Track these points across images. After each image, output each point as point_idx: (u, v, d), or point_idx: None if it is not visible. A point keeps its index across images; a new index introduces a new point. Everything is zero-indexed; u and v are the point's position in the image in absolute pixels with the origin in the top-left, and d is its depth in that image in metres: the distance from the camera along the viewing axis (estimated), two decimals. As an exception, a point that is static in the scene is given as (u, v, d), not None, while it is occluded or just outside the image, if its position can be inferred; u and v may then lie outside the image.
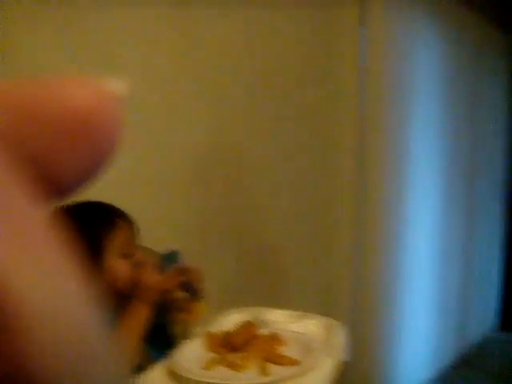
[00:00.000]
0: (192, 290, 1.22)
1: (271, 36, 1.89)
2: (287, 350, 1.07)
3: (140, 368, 1.07)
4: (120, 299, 1.20)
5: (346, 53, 2.27)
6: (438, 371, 2.93)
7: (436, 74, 2.66)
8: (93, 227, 1.14)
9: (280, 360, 1.04)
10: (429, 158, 2.64)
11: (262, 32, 1.86)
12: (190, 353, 1.06)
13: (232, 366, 1.03)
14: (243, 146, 1.88)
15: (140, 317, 1.15)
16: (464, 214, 3.06)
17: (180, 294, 1.22)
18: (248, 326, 1.14)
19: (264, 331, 1.15)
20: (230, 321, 1.20)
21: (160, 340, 1.22)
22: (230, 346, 1.08)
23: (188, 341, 1.12)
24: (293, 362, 1.02)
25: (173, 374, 0.98)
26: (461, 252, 3.07)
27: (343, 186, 2.34)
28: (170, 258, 1.27)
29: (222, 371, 1.01)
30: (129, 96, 0.18)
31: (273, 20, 1.88)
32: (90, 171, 0.17)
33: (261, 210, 1.99)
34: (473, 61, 3.05)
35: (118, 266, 1.17)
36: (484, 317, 3.52)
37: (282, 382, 0.96)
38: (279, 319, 1.23)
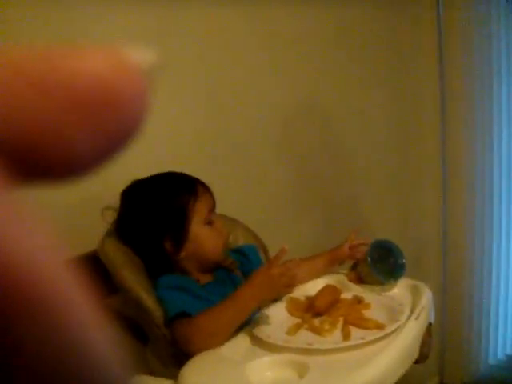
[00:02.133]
0: None
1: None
2: (372, 314, 1.05)
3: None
4: (207, 266, 1.23)
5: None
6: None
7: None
8: (176, 196, 1.15)
9: (364, 323, 1.01)
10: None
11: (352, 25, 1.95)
12: (274, 318, 1.07)
13: (315, 330, 1.02)
14: (333, 106, 1.92)
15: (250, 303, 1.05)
16: None
17: None
18: (331, 290, 1.13)
19: (347, 295, 1.13)
20: (313, 285, 1.19)
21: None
22: (314, 311, 1.08)
23: (271, 306, 1.13)
24: (378, 326, 0.99)
25: (257, 340, 0.99)
26: None
27: (428, 151, 2.33)
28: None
29: (305, 336, 1.00)
30: (158, 67, 0.16)
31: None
32: (108, 148, 0.16)
33: (351, 172, 1.98)
34: None
35: (204, 233, 1.18)
36: None
37: (367, 346, 0.94)
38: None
